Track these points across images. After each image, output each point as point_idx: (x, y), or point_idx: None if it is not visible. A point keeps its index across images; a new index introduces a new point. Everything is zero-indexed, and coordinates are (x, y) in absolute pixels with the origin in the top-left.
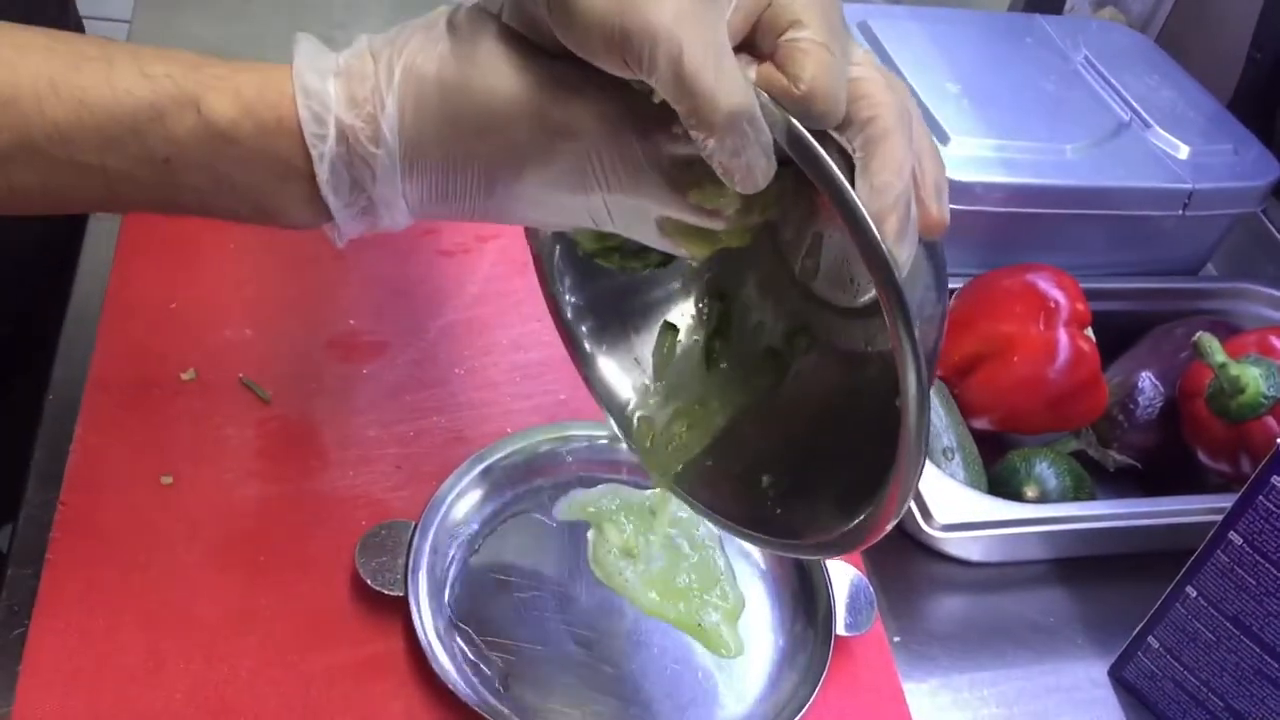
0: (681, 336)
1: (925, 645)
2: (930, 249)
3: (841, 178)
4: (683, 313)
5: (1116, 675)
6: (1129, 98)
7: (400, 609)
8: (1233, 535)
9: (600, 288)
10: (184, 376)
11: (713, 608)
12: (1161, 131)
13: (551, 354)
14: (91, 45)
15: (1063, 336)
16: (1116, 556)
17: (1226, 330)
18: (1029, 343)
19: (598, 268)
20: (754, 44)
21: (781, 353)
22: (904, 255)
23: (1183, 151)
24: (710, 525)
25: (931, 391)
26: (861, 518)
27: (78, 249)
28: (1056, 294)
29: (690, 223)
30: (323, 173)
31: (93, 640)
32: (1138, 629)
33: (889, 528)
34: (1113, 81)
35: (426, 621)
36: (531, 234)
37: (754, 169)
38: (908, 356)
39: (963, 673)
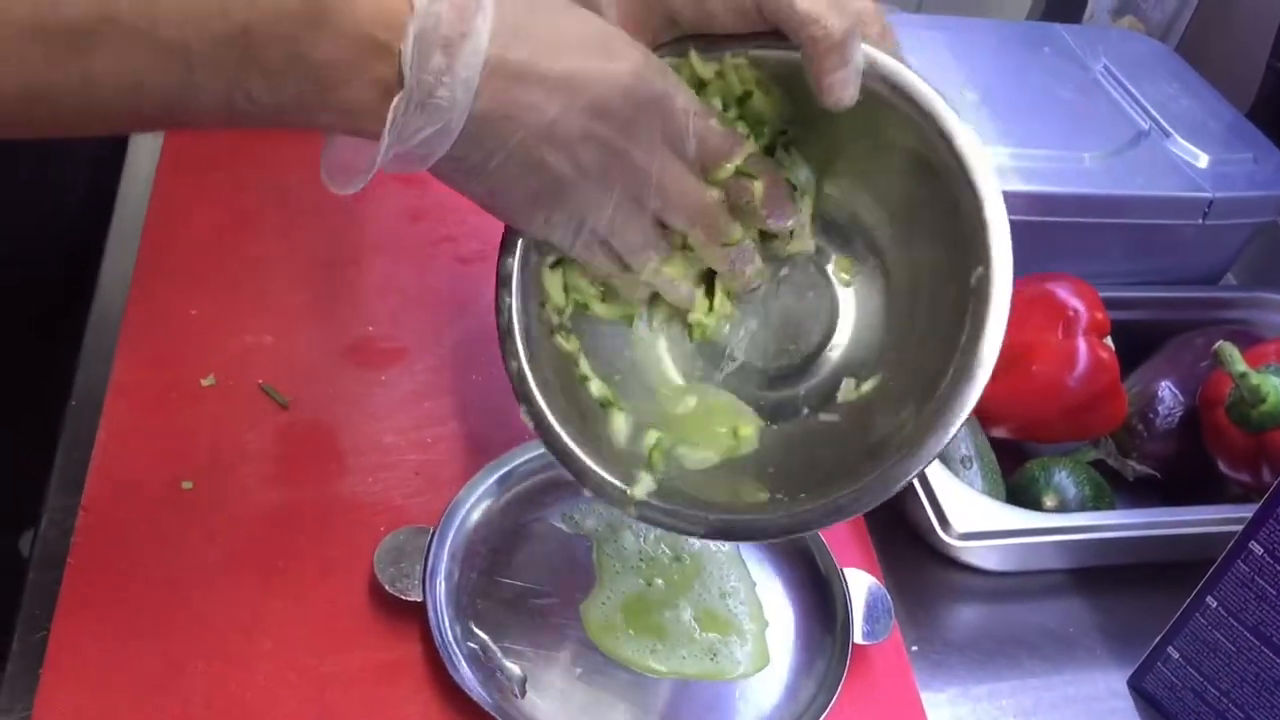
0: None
1: (943, 654)
2: None
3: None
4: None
5: (1136, 686)
6: (1148, 106)
7: (418, 615)
8: (1253, 545)
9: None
10: (204, 382)
11: (734, 636)
12: (1181, 140)
13: None
14: None
15: (1082, 345)
16: (1136, 566)
17: (1247, 339)
18: (1048, 351)
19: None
20: None
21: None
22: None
23: (1202, 160)
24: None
25: None
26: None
27: (99, 256)
28: (1075, 303)
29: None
30: (414, 26)
31: (113, 644)
32: (1157, 639)
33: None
34: (1132, 90)
35: (444, 627)
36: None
37: (854, 81)
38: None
39: (981, 682)
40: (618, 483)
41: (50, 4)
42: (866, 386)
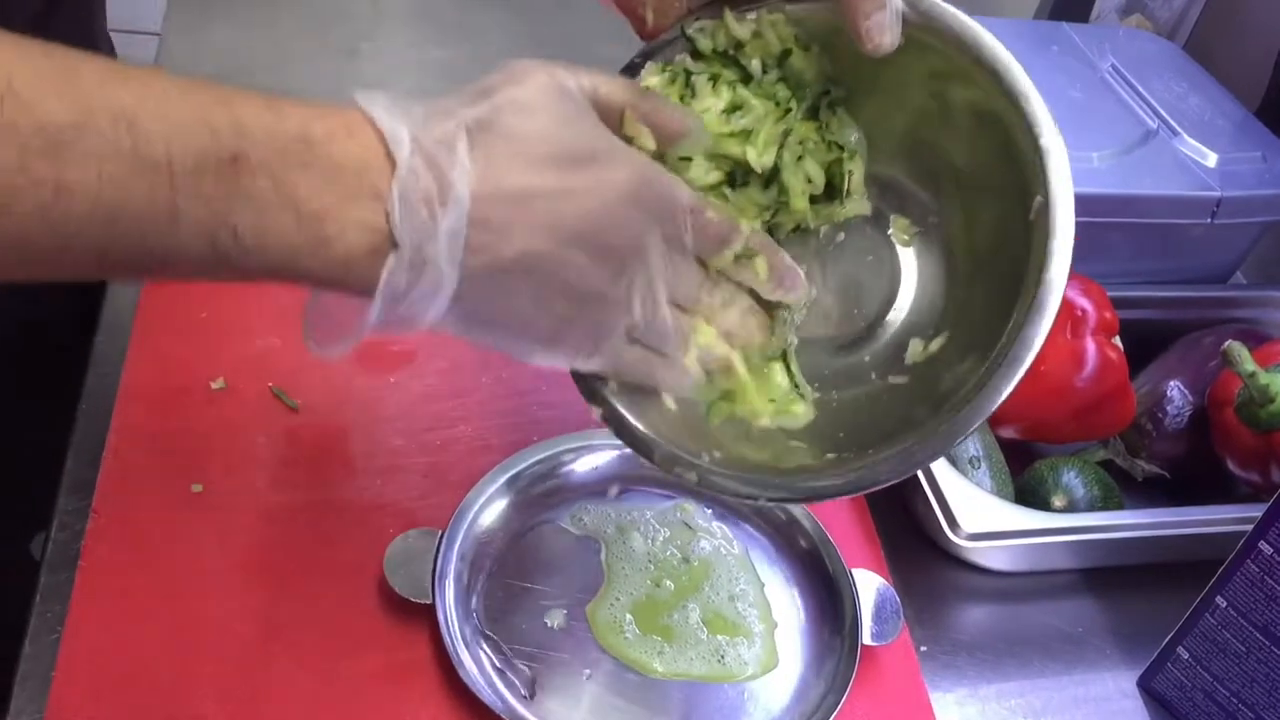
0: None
1: (952, 655)
2: None
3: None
4: None
5: (1146, 686)
6: (1156, 105)
7: (428, 617)
8: (1263, 545)
9: None
10: (214, 386)
11: (741, 637)
12: (1189, 139)
13: None
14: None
15: (1090, 345)
16: (1145, 566)
17: (1256, 339)
18: (1056, 351)
19: None
20: None
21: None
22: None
23: (1211, 159)
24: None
25: None
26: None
27: None
28: (1084, 302)
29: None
30: (396, 182)
31: (125, 646)
32: (1167, 639)
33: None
34: (1140, 89)
35: (454, 629)
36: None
37: (895, 25)
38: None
39: (990, 683)
40: (680, 452)
41: (25, 105)
42: (935, 345)
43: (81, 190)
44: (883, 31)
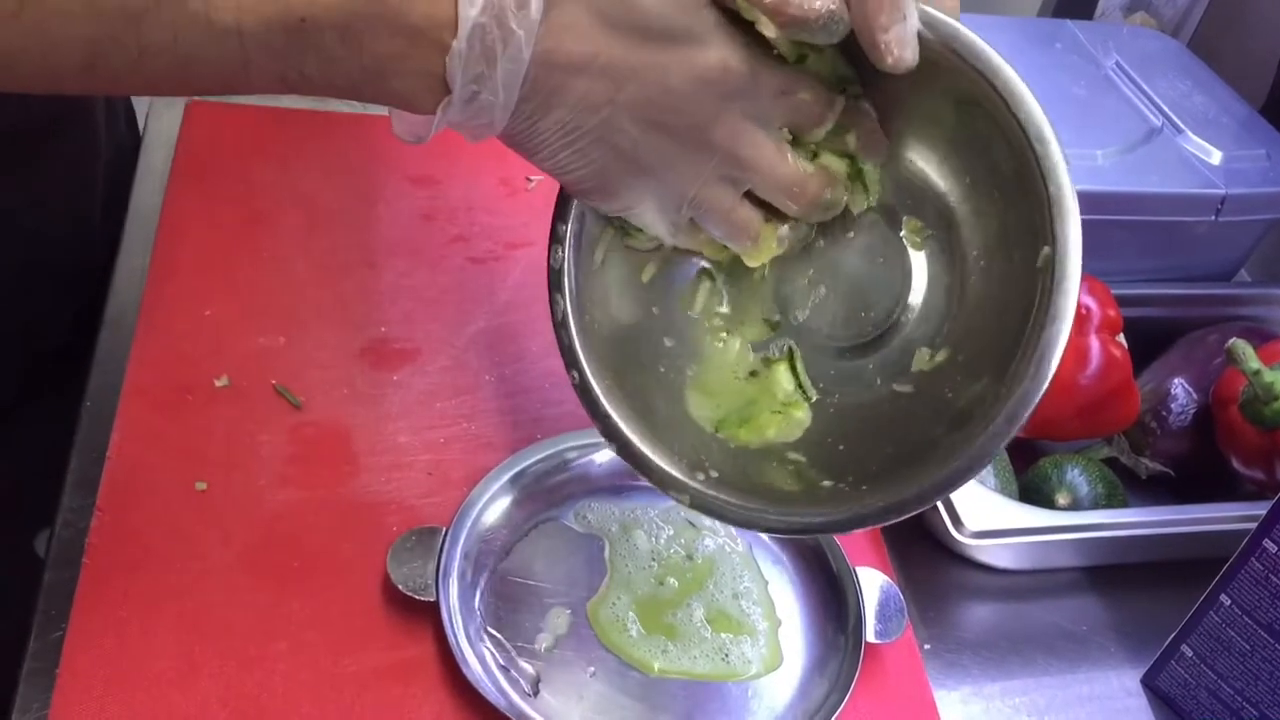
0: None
1: (956, 653)
2: None
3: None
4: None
5: (1150, 684)
6: (1161, 103)
7: (431, 614)
8: (1267, 543)
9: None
10: (218, 383)
11: (745, 636)
12: (1194, 137)
13: None
14: None
15: (1094, 343)
16: (1149, 564)
17: (1260, 337)
18: None
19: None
20: None
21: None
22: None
23: (1215, 157)
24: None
25: None
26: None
27: (113, 257)
28: (1088, 300)
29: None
30: (460, 39)
31: (128, 644)
32: (1171, 637)
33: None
34: (1144, 87)
35: (457, 627)
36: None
37: (913, 41)
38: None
39: (994, 681)
40: (674, 471)
41: None
42: (941, 356)
43: (162, 52)
44: (902, 46)
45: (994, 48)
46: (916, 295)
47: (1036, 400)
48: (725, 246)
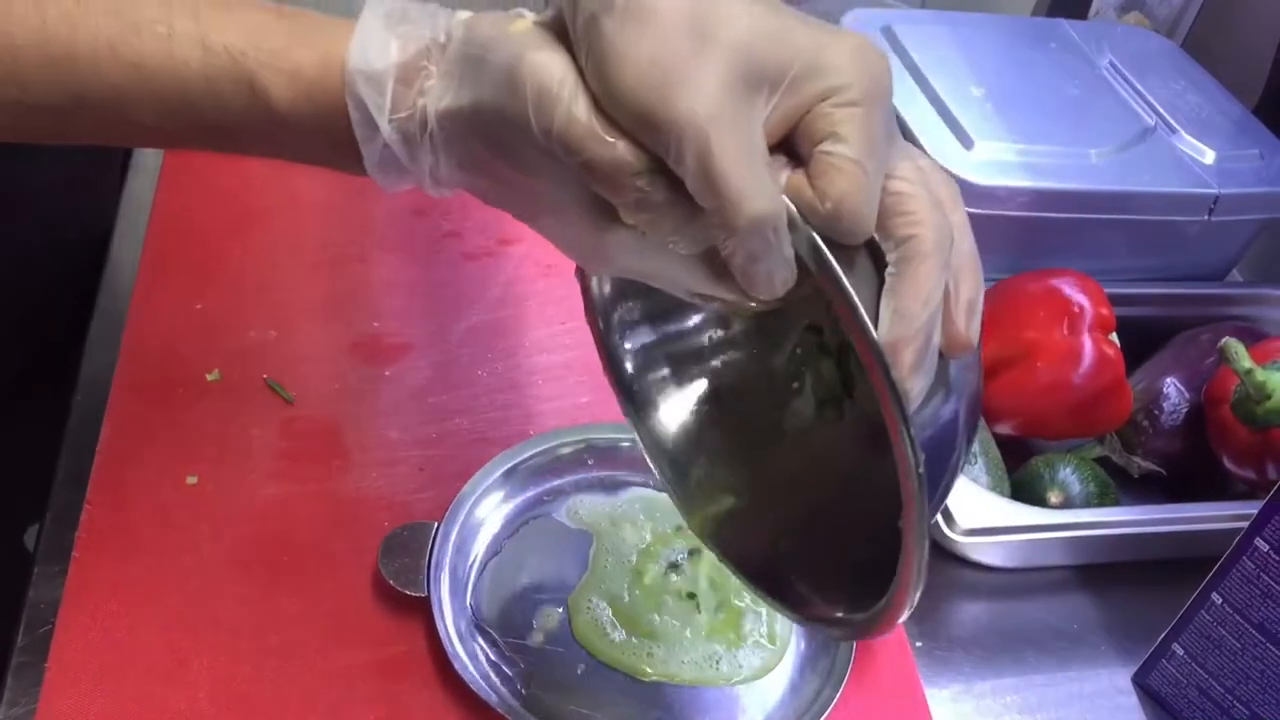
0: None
1: (948, 650)
2: (962, 368)
3: (854, 297)
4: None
5: (1141, 682)
6: (1154, 102)
7: (422, 610)
8: (1259, 542)
9: (651, 328)
10: (209, 377)
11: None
12: (1187, 136)
13: (574, 357)
14: (155, 6)
15: (1087, 342)
16: (1141, 563)
17: (1252, 336)
18: (1053, 348)
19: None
20: (793, 145)
21: (818, 404)
22: (916, 387)
23: (1208, 156)
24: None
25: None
26: (866, 614)
27: (105, 251)
28: (1081, 299)
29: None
30: (371, 160)
31: (118, 639)
32: (1162, 636)
33: (894, 626)
34: (1138, 86)
35: (448, 622)
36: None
37: (772, 277)
38: (909, 485)
39: (985, 679)
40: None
41: (20, 87)
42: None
43: (90, 137)
44: (767, 279)
45: (986, 52)
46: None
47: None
48: None
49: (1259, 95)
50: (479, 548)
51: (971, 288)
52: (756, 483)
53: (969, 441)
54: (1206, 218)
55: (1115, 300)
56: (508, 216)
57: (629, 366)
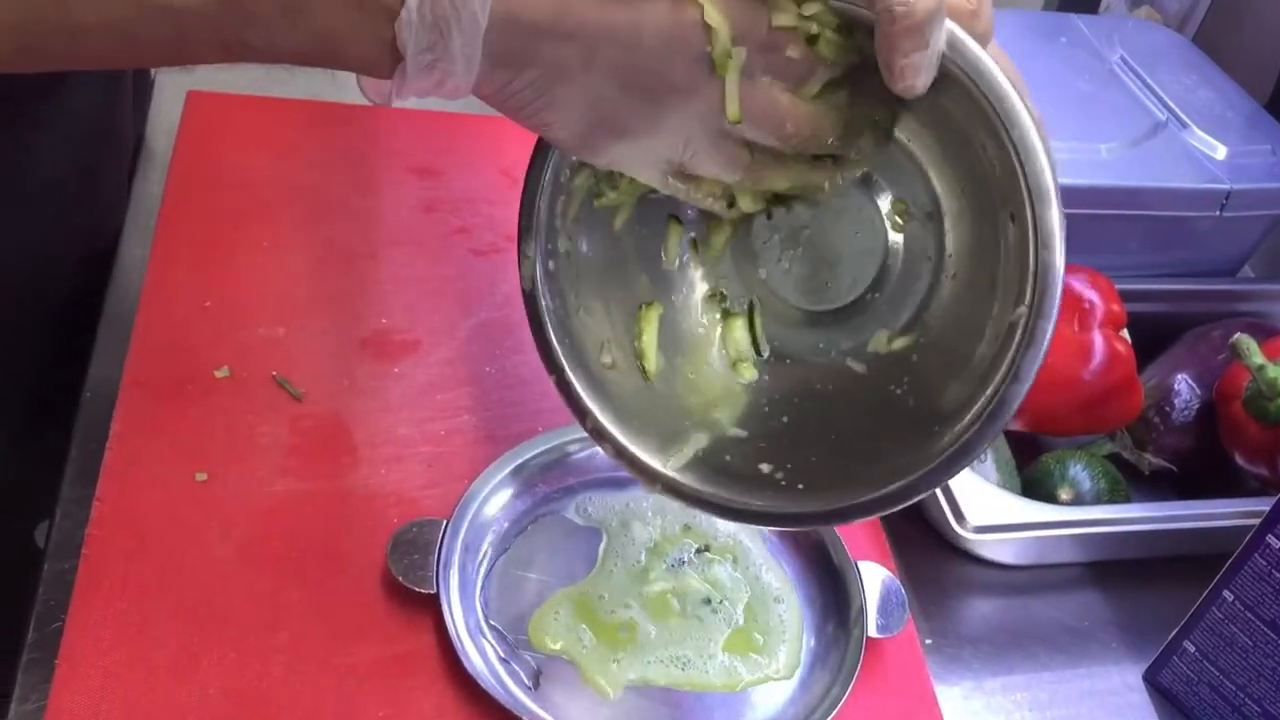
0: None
1: (958, 648)
2: None
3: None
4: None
5: (1151, 680)
6: (1165, 98)
7: (431, 607)
8: (1270, 539)
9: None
10: (218, 374)
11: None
12: (1199, 131)
13: None
14: None
15: (1098, 338)
16: (1152, 560)
17: (1264, 332)
18: (1063, 344)
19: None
20: None
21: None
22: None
23: (1220, 152)
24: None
25: None
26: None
27: (114, 248)
28: (1091, 295)
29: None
30: (409, 9)
31: (128, 635)
32: (1173, 633)
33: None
34: (1149, 81)
35: (457, 619)
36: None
37: (930, 67)
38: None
39: (995, 676)
40: (646, 458)
41: None
42: (899, 344)
43: (96, 30)
44: (916, 73)
45: (995, 41)
46: (890, 278)
47: (977, 453)
48: (713, 195)
49: (1270, 90)
50: (488, 545)
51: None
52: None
53: None
54: (1218, 213)
55: (1126, 296)
56: (517, 211)
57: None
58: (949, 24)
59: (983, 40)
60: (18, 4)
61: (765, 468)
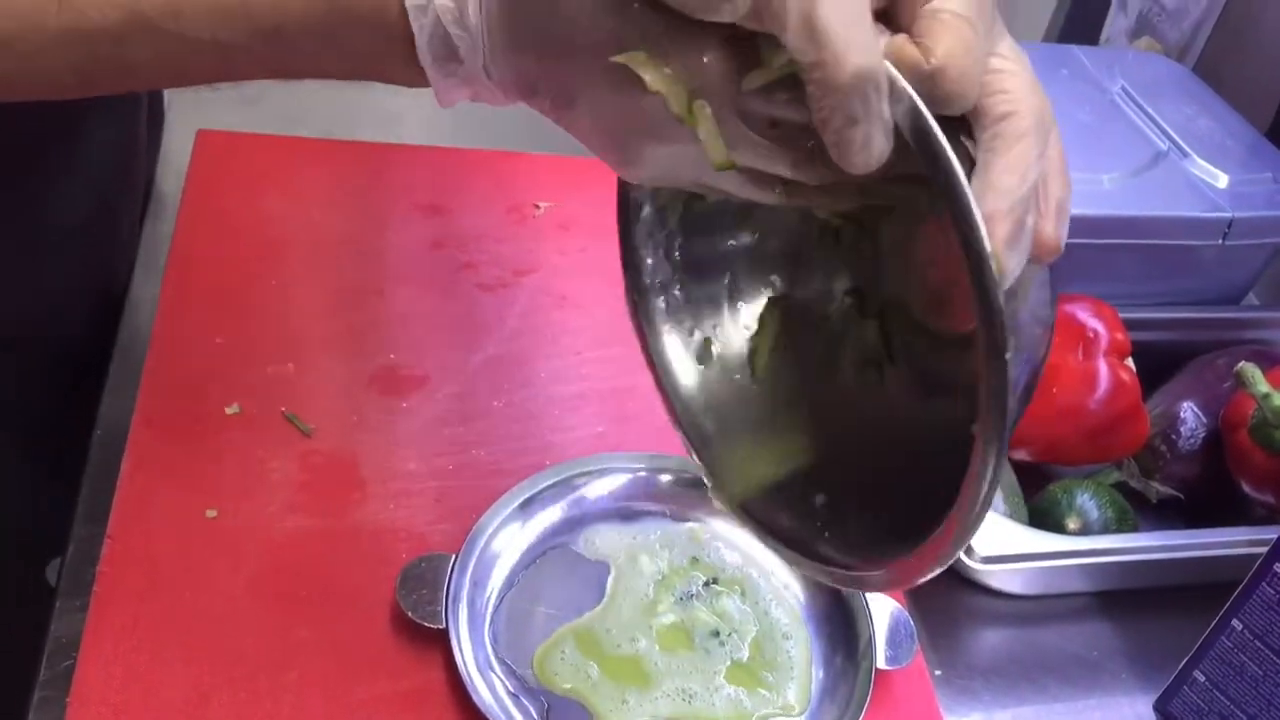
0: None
1: (967, 679)
2: (1042, 278)
3: (957, 166)
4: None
5: (1162, 710)
6: (1167, 127)
7: (441, 642)
8: (1278, 567)
9: (685, 259)
10: (228, 411)
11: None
12: (1200, 161)
13: (589, 387)
14: None
15: (1103, 367)
16: (1160, 589)
17: (1269, 360)
18: (1069, 373)
19: (687, 237)
20: (893, 18)
21: (858, 367)
22: (1010, 265)
23: (1222, 181)
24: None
25: None
26: (909, 554)
27: (125, 286)
28: (1096, 324)
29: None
30: (421, 44)
31: (139, 673)
32: (1183, 663)
33: (936, 570)
34: (1150, 111)
35: (467, 654)
36: (623, 193)
37: (870, 144)
38: (994, 382)
39: (1005, 707)
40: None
41: (78, 11)
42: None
43: (147, 66)
44: (849, 151)
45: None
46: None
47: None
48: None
49: (1271, 119)
50: (497, 579)
51: (1062, 188)
52: (791, 440)
53: (1039, 370)
54: (1221, 242)
55: (1131, 325)
56: (523, 248)
57: (660, 321)
58: (912, 94)
59: (953, 101)
60: (76, 47)
61: (819, 499)
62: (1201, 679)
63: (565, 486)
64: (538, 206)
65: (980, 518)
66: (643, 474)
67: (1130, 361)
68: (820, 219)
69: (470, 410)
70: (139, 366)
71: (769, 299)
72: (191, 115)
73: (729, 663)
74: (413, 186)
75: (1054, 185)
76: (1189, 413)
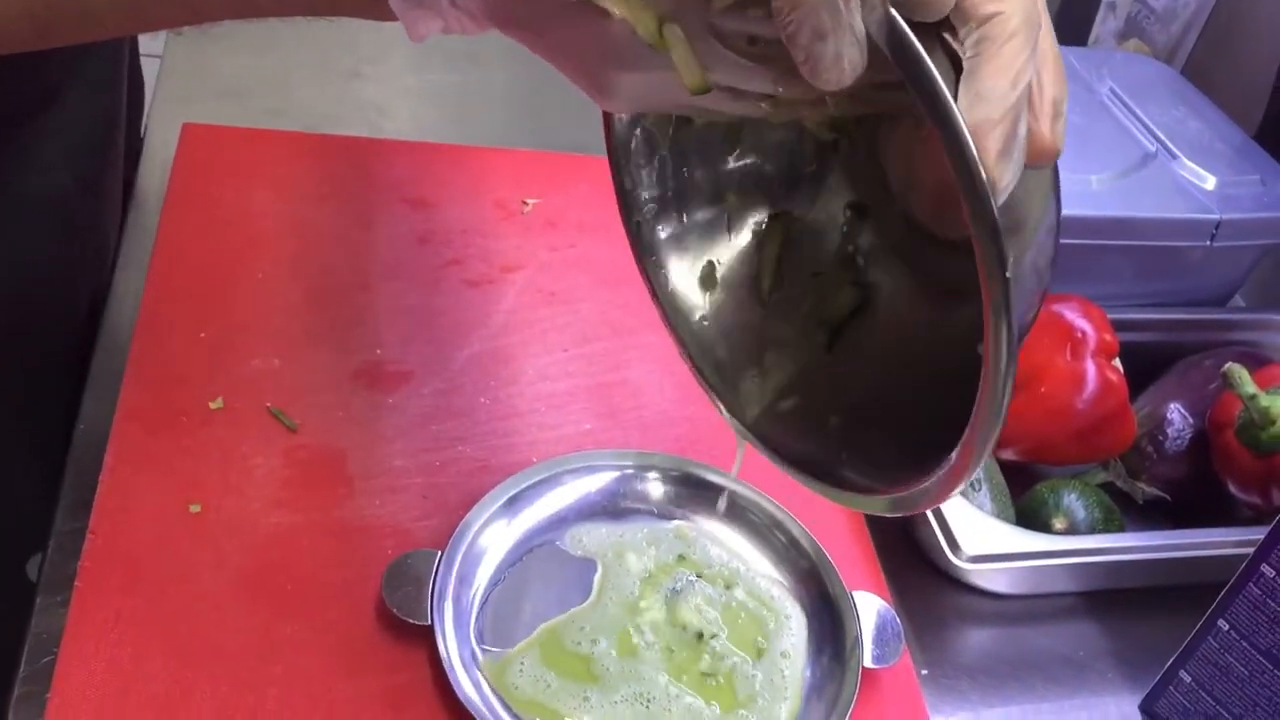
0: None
1: (954, 678)
2: (1041, 179)
3: (939, 79)
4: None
5: (1148, 710)
6: (1155, 129)
7: (426, 638)
8: (1265, 568)
9: (679, 185)
10: (212, 406)
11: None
12: (1188, 162)
13: (577, 384)
14: None
15: (1090, 367)
16: (1146, 589)
17: (1256, 361)
18: (1056, 373)
19: (678, 164)
20: None
21: (865, 282)
22: (1005, 178)
23: (1210, 182)
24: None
25: None
26: (929, 480)
27: (109, 279)
28: (1084, 324)
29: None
30: None
31: (121, 668)
32: (1169, 663)
33: (955, 491)
34: (1138, 113)
35: (452, 651)
36: (609, 125)
37: (841, 59)
38: (996, 294)
39: (991, 706)
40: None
41: None
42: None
43: (105, 5)
44: (818, 69)
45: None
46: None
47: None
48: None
49: (1259, 121)
50: (482, 576)
51: (1056, 84)
52: (800, 360)
53: (1048, 277)
54: (1208, 243)
55: (1118, 326)
56: (510, 244)
57: (664, 252)
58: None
59: (930, 7)
60: None
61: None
62: (1187, 679)
63: (552, 483)
64: (526, 203)
65: (1001, 417)
66: (630, 471)
67: (1118, 362)
68: (815, 135)
69: (457, 406)
70: (122, 360)
71: (770, 220)
72: (177, 108)
73: (717, 659)
74: (400, 181)
75: (1047, 81)
76: (1176, 413)
